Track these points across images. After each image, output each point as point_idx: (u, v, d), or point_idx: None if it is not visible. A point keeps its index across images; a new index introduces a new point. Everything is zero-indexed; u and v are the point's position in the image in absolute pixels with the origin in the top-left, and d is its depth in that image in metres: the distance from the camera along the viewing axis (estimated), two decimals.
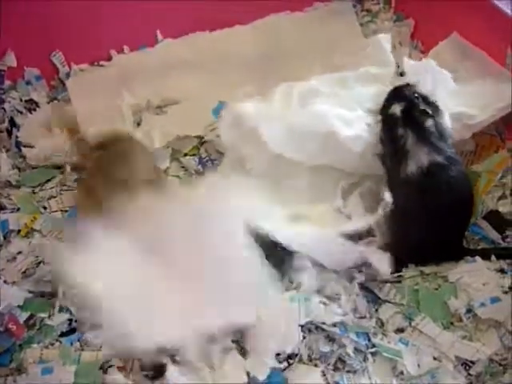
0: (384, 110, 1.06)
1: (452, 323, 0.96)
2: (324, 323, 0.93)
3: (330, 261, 1.00)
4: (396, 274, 1.02)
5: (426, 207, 1.00)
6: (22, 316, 0.94)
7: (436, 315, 0.97)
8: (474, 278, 0.99)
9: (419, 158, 1.00)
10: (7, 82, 1.32)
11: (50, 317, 0.96)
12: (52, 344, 0.93)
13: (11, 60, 1.31)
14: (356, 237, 1.01)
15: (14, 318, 0.92)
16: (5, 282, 1.00)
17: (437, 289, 1.00)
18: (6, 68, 1.31)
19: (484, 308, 0.95)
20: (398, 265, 1.02)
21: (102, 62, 1.36)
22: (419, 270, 1.03)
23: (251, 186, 1.00)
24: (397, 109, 1.03)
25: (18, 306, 0.95)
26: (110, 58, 1.36)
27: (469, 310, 0.96)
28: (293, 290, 0.97)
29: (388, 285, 1.01)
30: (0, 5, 1.23)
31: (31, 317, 0.94)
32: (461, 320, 0.96)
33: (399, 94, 1.05)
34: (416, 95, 1.03)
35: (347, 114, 1.09)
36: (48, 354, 0.91)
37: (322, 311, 0.93)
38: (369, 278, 1.02)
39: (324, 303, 0.95)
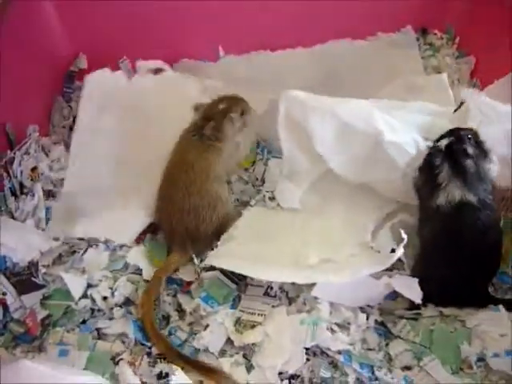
0: (434, 143, 1.07)
1: (462, 369, 0.94)
2: (329, 349, 0.94)
3: (356, 300, 1.00)
4: (414, 311, 1.02)
5: (451, 244, 0.99)
6: (41, 314, 1.01)
7: (447, 358, 0.95)
8: (492, 327, 0.97)
9: (450, 193, 1.00)
10: (77, 83, 1.41)
11: (76, 303, 1.03)
12: (73, 329, 1.00)
13: (82, 63, 1.41)
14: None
15: (33, 314, 1.00)
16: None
17: (452, 332, 0.98)
18: (78, 70, 1.41)
19: (497, 359, 0.93)
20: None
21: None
22: (439, 311, 1.02)
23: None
24: (443, 142, 1.03)
25: (40, 302, 1.02)
26: (170, 67, 1.43)
27: (481, 359, 0.94)
28: (305, 312, 0.98)
29: (403, 321, 1.01)
30: (77, 11, 1.33)
31: (48, 316, 1.01)
32: (471, 367, 0.94)
33: (455, 131, 1.05)
34: (469, 136, 1.03)
35: (395, 122, 1.09)
36: (68, 338, 0.99)
37: (329, 337, 0.94)
38: (385, 312, 1.02)
39: (332, 329, 0.96)
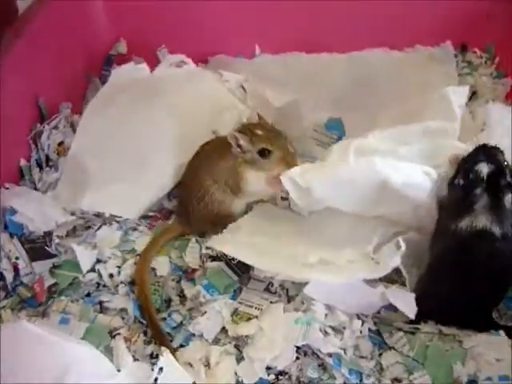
0: (470, 163, 1.02)
1: None
2: (319, 350, 0.94)
3: (349, 305, 1.00)
4: (413, 326, 1.01)
5: (463, 265, 0.98)
6: (49, 281, 1.05)
7: (438, 376, 0.94)
8: (489, 350, 0.95)
9: (477, 220, 0.97)
10: (115, 67, 1.45)
11: (83, 276, 1.07)
12: (77, 300, 1.04)
13: (122, 47, 1.46)
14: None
15: (41, 281, 1.04)
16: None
17: (448, 350, 0.97)
18: (117, 54, 1.46)
19: (489, 383, 0.91)
20: (418, 315, 1.01)
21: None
22: (438, 329, 1.01)
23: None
24: (484, 168, 0.99)
25: (50, 270, 1.06)
26: (206, 61, 1.46)
27: (472, 381, 0.93)
28: (301, 311, 0.99)
29: (400, 333, 1.00)
30: None
31: (55, 285, 1.05)
32: None
33: (489, 153, 1.02)
34: (506, 162, 1.00)
35: (403, 165, 1.06)
36: (71, 307, 1.02)
37: (321, 339, 0.94)
38: (383, 322, 1.02)
39: (325, 332, 0.96)
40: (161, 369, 0.87)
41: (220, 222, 1.12)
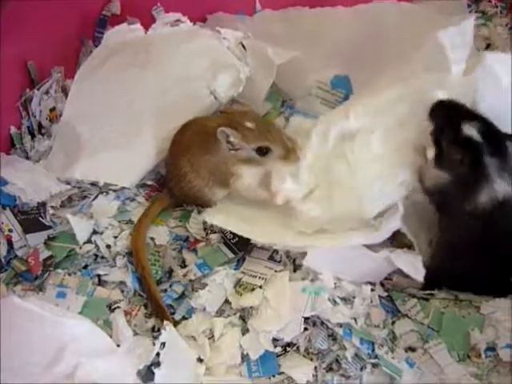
0: (449, 132, 0.90)
1: (469, 357, 0.89)
2: (329, 321, 0.90)
3: (354, 274, 0.95)
4: (427, 292, 0.96)
5: (488, 240, 0.90)
6: (44, 254, 1.00)
7: (454, 344, 0.90)
8: (508, 316, 0.90)
9: (496, 189, 0.87)
10: (109, 28, 1.38)
11: (80, 248, 1.02)
12: (74, 273, 0.99)
13: (115, 7, 1.37)
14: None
15: (36, 253, 0.99)
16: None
17: (464, 317, 0.93)
18: (110, 14, 1.38)
19: (509, 350, 0.87)
20: (432, 284, 0.96)
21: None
22: (453, 295, 0.96)
23: None
24: (471, 130, 0.88)
25: (45, 242, 1.01)
26: (204, 20, 1.38)
27: (491, 349, 0.88)
28: (309, 280, 0.94)
29: (414, 300, 0.95)
30: None
31: (51, 257, 1.00)
32: (479, 356, 0.88)
33: (460, 110, 0.91)
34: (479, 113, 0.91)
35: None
36: (68, 281, 0.98)
37: (329, 308, 0.90)
38: (396, 288, 0.97)
39: (334, 301, 0.91)
40: (163, 344, 0.83)
41: (197, 204, 1.07)
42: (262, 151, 0.98)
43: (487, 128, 0.90)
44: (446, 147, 0.90)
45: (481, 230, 0.89)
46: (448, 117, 0.91)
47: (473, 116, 0.91)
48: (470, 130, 0.88)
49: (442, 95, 0.95)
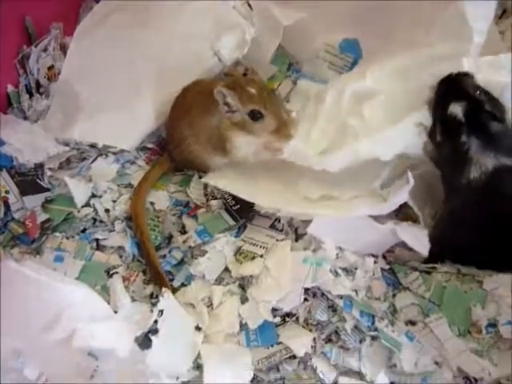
0: (439, 109, 0.90)
1: (470, 332, 0.88)
2: (329, 292, 0.89)
3: (357, 244, 0.93)
4: (429, 265, 0.95)
5: (487, 214, 0.88)
6: (42, 217, 0.98)
7: (455, 319, 0.89)
8: (510, 292, 0.89)
9: (484, 164, 0.86)
10: None
11: (78, 211, 1.00)
12: (72, 236, 0.98)
13: None
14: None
15: (33, 216, 0.97)
16: None
17: (466, 292, 0.91)
18: None
19: (510, 327, 0.86)
20: (435, 257, 0.94)
21: None
22: (456, 268, 0.94)
23: None
24: (457, 109, 0.87)
25: (42, 205, 0.99)
26: None
27: (492, 325, 0.87)
28: (311, 251, 0.93)
29: (416, 273, 0.94)
30: None
31: (48, 220, 0.98)
32: (480, 332, 0.87)
33: (457, 87, 0.89)
34: (478, 91, 0.88)
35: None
36: (66, 245, 0.97)
37: (331, 280, 0.89)
38: (398, 261, 0.96)
39: (336, 272, 0.90)
40: (161, 311, 0.82)
41: (197, 169, 1.05)
42: (255, 115, 0.94)
43: (473, 108, 0.88)
44: (433, 126, 0.90)
45: (479, 202, 0.88)
46: (442, 94, 0.90)
47: (464, 95, 0.88)
48: (456, 110, 0.88)
49: (467, 64, 0.92)
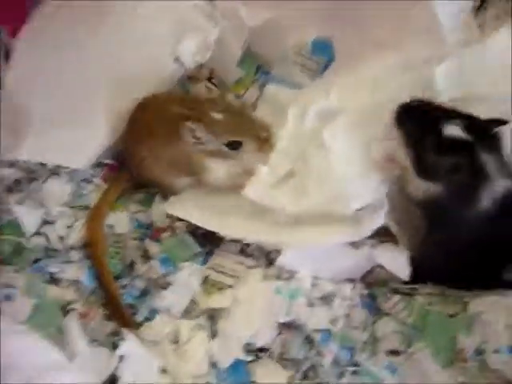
0: (428, 138, 0.79)
1: (452, 362, 0.82)
2: (305, 325, 0.83)
3: (337, 273, 0.88)
4: (410, 286, 0.89)
5: (484, 237, 0.82)
6: None
7: (439, 347, 0.83)
8: (498, 316, 0.83)
9: (498, 186, 0.79)
10: None
11: (28, 240, 0.92)
12: (23, 268, 0.89)
13: None
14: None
15: None
16: None
17: (452, 316, 0.86)
18: None
19: (497, 356, 0.80)
20: (416, 278, 0.88)
21: None
22: (439, 289, 0.89)
23: None
24: (456, 130, 0.78)
25: None
26: None
27: (478, 352, 0.82)
28: (284, 279, 0.86)
29: (397, 297, 0.88)
30: None
31: None
32: (465, 361, 0.82)
33: (432, 110, 0.80)
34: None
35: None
36: (15, 280, 0.88)
37: (306, 313, 0.82)
38: (378, 283, 0.90)
39: (312, 305, 0.84)
40: (122, 357, 0.75)
41: (158, 188, 0.97)
42: (232, 145, 0.88)
43: (471, 122, 0.80)
44: (429, 157, 0.79)
45: (477, 229, 0.81)
46: (421, 122, 0.80)
47: (450, 113, 0.80)
48: (454, 130, 0.78)
49: (439, 71, 0.84)
